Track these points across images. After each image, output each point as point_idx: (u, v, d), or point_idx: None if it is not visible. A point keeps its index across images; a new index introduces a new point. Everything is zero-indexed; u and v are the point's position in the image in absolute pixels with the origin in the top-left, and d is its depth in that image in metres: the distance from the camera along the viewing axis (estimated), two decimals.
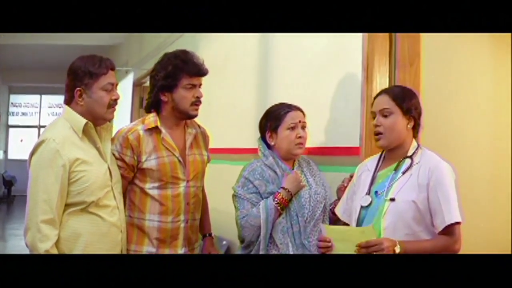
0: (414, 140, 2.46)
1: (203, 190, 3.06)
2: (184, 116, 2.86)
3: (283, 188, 2.70)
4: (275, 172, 2.76)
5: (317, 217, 2.75)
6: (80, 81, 2.57)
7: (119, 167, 2.78)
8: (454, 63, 3.37)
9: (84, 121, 2.58)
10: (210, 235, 3.10)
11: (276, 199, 2.67)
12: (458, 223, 2.29)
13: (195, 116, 2.88)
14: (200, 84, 2.85)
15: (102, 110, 2.62)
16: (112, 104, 2.64)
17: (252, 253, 2.72)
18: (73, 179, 2.52)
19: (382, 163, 2.52)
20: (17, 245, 8.88)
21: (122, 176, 2.79)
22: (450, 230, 2.29)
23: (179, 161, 2.84)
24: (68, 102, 2.64)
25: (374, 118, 2.47)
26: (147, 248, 2.82)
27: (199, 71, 2.82)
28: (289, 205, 2.70)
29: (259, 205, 2.69)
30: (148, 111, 2.92)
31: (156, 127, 2.82)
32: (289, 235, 2.69)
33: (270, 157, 2.80)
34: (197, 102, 2.83)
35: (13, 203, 14.17)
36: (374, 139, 2.50)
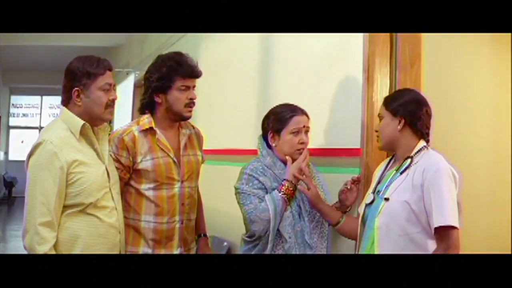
0: (422, 141, 2.45)
1: (197, 191, 3.06)
2: (178, 118, 2.87)
3: (286, 180, 2.70)
4: (274, 172, 2.77)
5: (317, 219, 2.76)
6: (78, 81, 2.57)
7: (115, 168, 2.78)
8: (455, 64, 3.37)
9: (81, 122, 2.58)
10: (205, 235, 3.11)
11: (281, 191, 2.68)
12: (452, 227, 2.22)
13: (189, 117, 2.89)
14: (194, 86, 2.86)
15: (100, 110, 2.61)
16: (110, 104, 2.64)
17: (258, 246, 2.71)
18: (71, 181, 2.51)
19: (392, 163, 2.54)
20: (18, 247, 8.81)
21: (119, 178, 2.80)
22: (443, 234, 2.23)
23: (174, 161, 2.85)
24: (66, 102, 2.63)
25: None
26: (143, 249, 2.83)
27: (193, 73, 2.84)
28: (291, 204, 2.71)
29: (266, 198, 2.68)
30: (142, 112, 2.95)
31: (151, 128, 2.84)
32: (294, 232, 2.69)
33: (268, 157, 2.80)
34: (191, 103, 2.85)
35: (13, 204, 14.14)
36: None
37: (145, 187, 2.82)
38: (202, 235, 3.10)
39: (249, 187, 2.73)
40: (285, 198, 2.68)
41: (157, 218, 2.82)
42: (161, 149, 2.83)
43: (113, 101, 2.65)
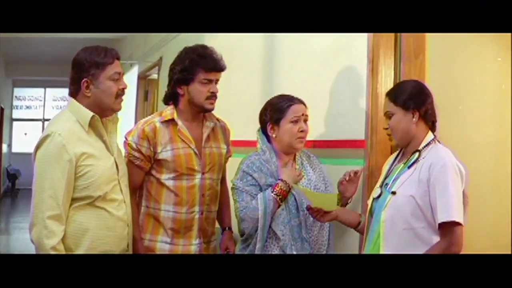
0: (430, 132, 2.43)
1: (224, 184, 3.07)
2: (199, 110, 2.89)
3: (281, 179, 2.70)
4: (271, 167, 2.76)
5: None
6: (86, 72, 2.54)
7: (136, 158, 2.83)
8: (459, 56, 3.36)
9: (90, 114, 2.55)
10: (229, 228, 3.11)
11: (274, 191, 2.68)
12: (456, 223, 2.22)
13: (211, 110, 2.91)
14: (217, 80, 2.88)
15: (110, 100, 2.59)
16: (120, 94, 2.61)
17: (250, 246, 2.72)
18: (80, 174, 2.48)
19: (400, 157, 2.53)
20: (21, 239, 8.91)
21: (140, 167, 2.86)
22: (447, 229, 2.24)
23: (195, 153, 2.87)
24: (74, 94, 2.60)
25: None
26: (162, 238, 2.88)
27: (216, 66, 2.85)
28: (287, 198, 2.70)
29: (258, 197, 2.68)
30: (165, 103, 2.98)
31: (173, 119, 2.86)
32: (289, 228, 2.69)
33: (267, 152, 2.80)
34: (212, 96, 2.86)
35: (17, 197, 14.19)
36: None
37: (166, 177, 2.86)
38: (227, 228, 3.11)
39: (242, 184, 2.75)
40: (277, 199, 2.68)
41: (176, 207, 2.86)
42: (182, 140, 2.87)
43: (123, 90, 2.63)
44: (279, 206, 2.69)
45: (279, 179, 2.71)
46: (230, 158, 3.13)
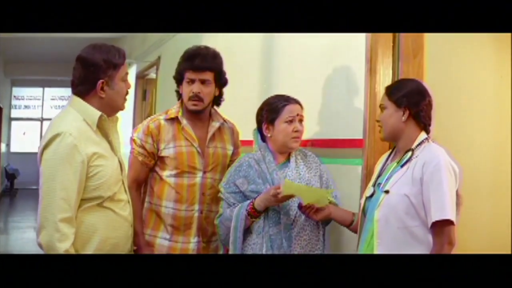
0: (423, 132, 2.42)
1: None
2: (188, 109, 2.93)
3: (253, 202, 2.65)
4: (261, 167, 2.74)
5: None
6: (104, 73, 2.47)
7: (140, 154, 2.89)
8: (457, 55, 3.36)
9: (98, 113, 2.48)
10: None
11: (248, 209, 2.64)
12: (450, 222, 2.22)
13: (193, 110, 2.92)
14: (203, 80, 2.87)
15: (121, 101, 2.57)
16: (127, 93, 2.61)
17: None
18: (90, 174, 2.41)
19: (393, 156, 2.52)
20: (19, 238, 8.92)
21: (144, 164, 2.91)
22: (440, 229, 2.23)
23: (198, 151, 2.91)
24: (83, 94, 2.51)
25: None
26: (162, 234, 2.93)
27: (191, 66, 2.87)
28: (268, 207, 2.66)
29: (234, 209, 2.67)
30: (178, 99, 3.03)
31: (177, 117, 2.91)
32: (264, 236, 2.65)
33: (258, 151, 2.79)
34: (194, 97, 2.87)
35: (15, 196, 14.20)
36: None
37: (168, 173, 2.90)
38: None
39: (225, 190, 2.77)
40: (249, 217, 2.64)
41: (176, 204, 2.90)
42: (186, 138, 2.90)
43: (128, 90, 2.62)
44: (253, 221, 2.66)
45: (255, 198, 2.66)
46: None
